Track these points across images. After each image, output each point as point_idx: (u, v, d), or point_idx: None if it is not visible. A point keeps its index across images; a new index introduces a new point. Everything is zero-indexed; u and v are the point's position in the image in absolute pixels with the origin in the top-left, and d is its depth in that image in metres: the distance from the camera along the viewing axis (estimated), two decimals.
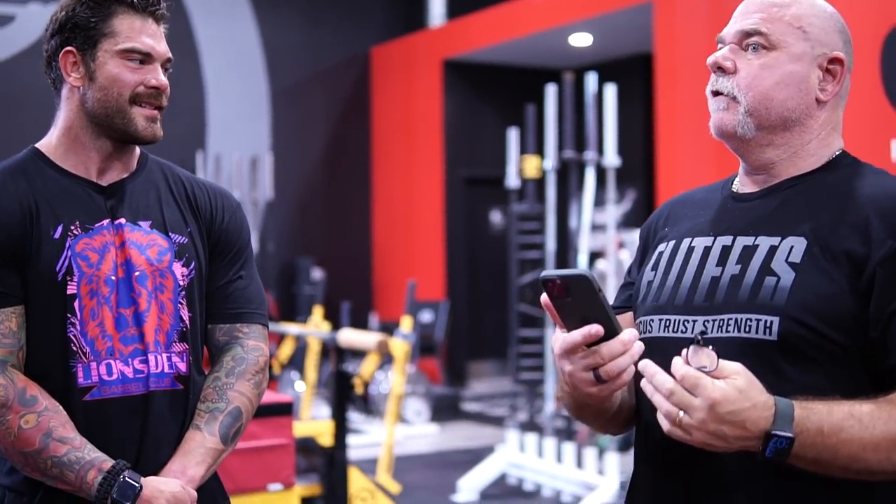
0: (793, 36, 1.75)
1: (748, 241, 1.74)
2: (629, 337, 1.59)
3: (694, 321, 1.74)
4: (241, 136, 11.88)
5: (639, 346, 1.60)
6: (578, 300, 1.58)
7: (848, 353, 1.63)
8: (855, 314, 1.62)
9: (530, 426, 8.02)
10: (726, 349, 1.61)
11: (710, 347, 1.53)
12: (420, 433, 9.64)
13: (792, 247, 1.68)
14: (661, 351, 1.67)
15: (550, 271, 1.60)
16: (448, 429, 9.91)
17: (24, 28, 10.56)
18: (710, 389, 1.50)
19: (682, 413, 1.52)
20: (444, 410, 10.27)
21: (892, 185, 1.70)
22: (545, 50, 11.11)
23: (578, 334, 1.58)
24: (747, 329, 1.66)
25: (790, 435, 1.52)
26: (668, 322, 1.78)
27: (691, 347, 1.53)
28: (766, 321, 1.65)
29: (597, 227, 8.76)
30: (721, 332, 1.69)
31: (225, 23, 11.91)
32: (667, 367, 1.69)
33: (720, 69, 1.78)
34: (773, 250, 1.69)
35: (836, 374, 1.63)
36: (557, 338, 1.64)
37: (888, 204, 1.66)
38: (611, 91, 7.58)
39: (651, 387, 1.56)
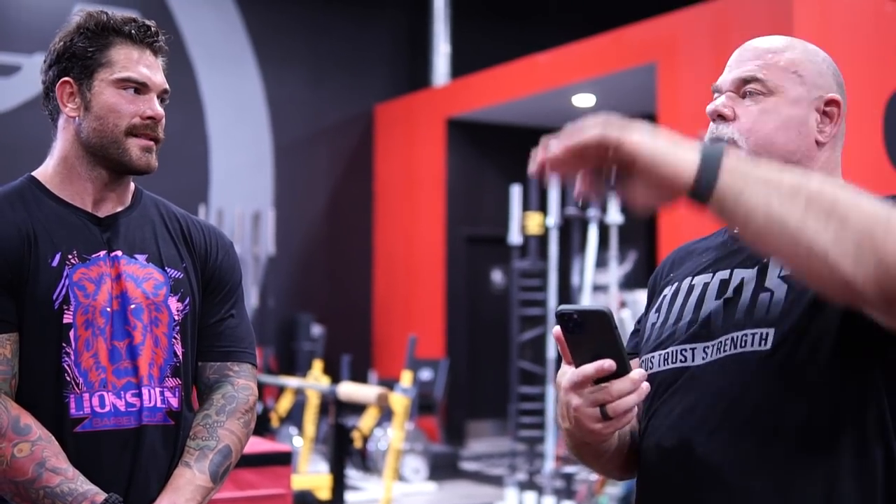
0: (789, 81, 1.77)
1: (746, 273, 1.75)
2: (639, 376, 1.59)
3: (693, 348, 1.74)
4: (243, 191, 11.90)
5: (646, 387, 1.60)
6: (593, 336, 1.59)
7: (842, 361, 1.60)
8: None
9: (529, 485, 7.95)
10: (720, 367, 1.66)
11: None
12: (418, 491, 9.55)
13: None
14: (661, 384, 1.70)
15: (568, 305, 1.61)
16: (446, 487, 9.82)
17: (29, 78, 10.59)
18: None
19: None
20: (443, 469, 10.18)
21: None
22: (548, 110, 11.15)
23: (591, 368, 1.58)
24: (742, 344, 1.66)
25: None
26: (667, 355, 1.79)
27: None
28: (762, 333, 1.65)
29: (598, 288, 8.75)
30: (719, 353, 1.70)
31: (230, 78, 11.97)
32: (666, 401, 1.73)
33: (720, 117, 1.80)
34: (764, 268, 1.71)
35: (829, 384, 1.61)
36: (565, 371, 1.64)
37: None
38: None
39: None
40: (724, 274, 1.79)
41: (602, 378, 1.58)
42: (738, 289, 1.73)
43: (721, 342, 1.70)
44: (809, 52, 1.81)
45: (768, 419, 1.62)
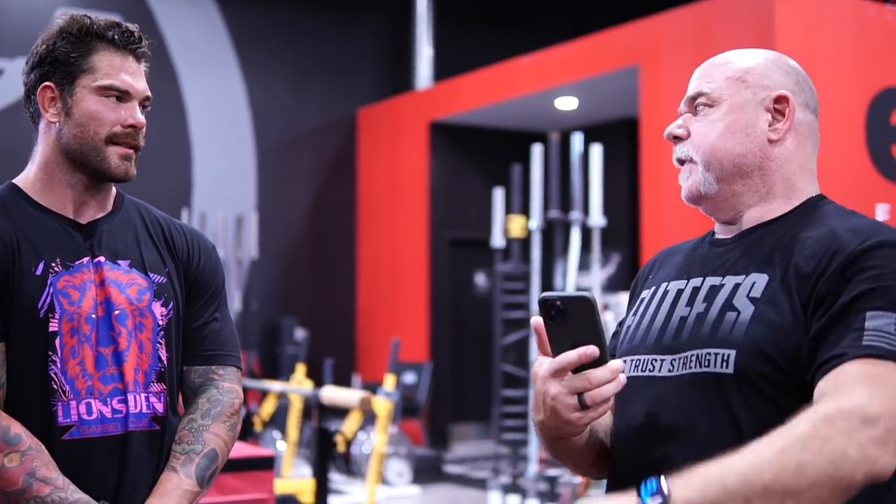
0: (732, 88, 1.82)
1: (716, 280, 1.77)
2: (617, 366, 1.62)
3: (662, 360, 1.77)
4: (226, 195, 11.88)
5: (623, 378, 1.63)
6: (575, 323, 1.60)
7: (803, 387, 1.60)
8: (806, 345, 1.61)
9: (513, 488, 7.95)
10: (686, 383, 1.69)
11: None
12: (401, 495, 9.54)
13: (754, 283, 1.70)
14: (631, 389, 1.71)
15: (551, 292, 1.62)
16: (430, 491, 9.81)
17: (12, 82, 10.55)
18: None
19: None
20: (426, 472, 10.17)
21: (857, 222, 1.71)
22: (531, 113, 11.17)
23: (574, 354, 1.60)
24: (706, 363, 1.69)
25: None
26: (637, 362, 1.82)
27: None
28: (723, 354, 1.67)
29: (581, 290, 8.76)
30: (684, 368, 1.72)
31: (213, 82, 11.95)
32: (633, 406, 1.77)
33: (675, 138, 1.87)
34: (736, 287, 1.72)
35: (791, 409, 1.59)
36: (542, 362, 1.65)
37: (846, 238, 1.65)
38: (597, 151, 7.62)
39: None
40: (696, 281, 1.81)
41: (581, 367, 1.61)
42: (709, 298, 1.75)
43: (686, 357, 1.72)
44: (755, 56, 1.85)
45: (727, 439, 1.62)
